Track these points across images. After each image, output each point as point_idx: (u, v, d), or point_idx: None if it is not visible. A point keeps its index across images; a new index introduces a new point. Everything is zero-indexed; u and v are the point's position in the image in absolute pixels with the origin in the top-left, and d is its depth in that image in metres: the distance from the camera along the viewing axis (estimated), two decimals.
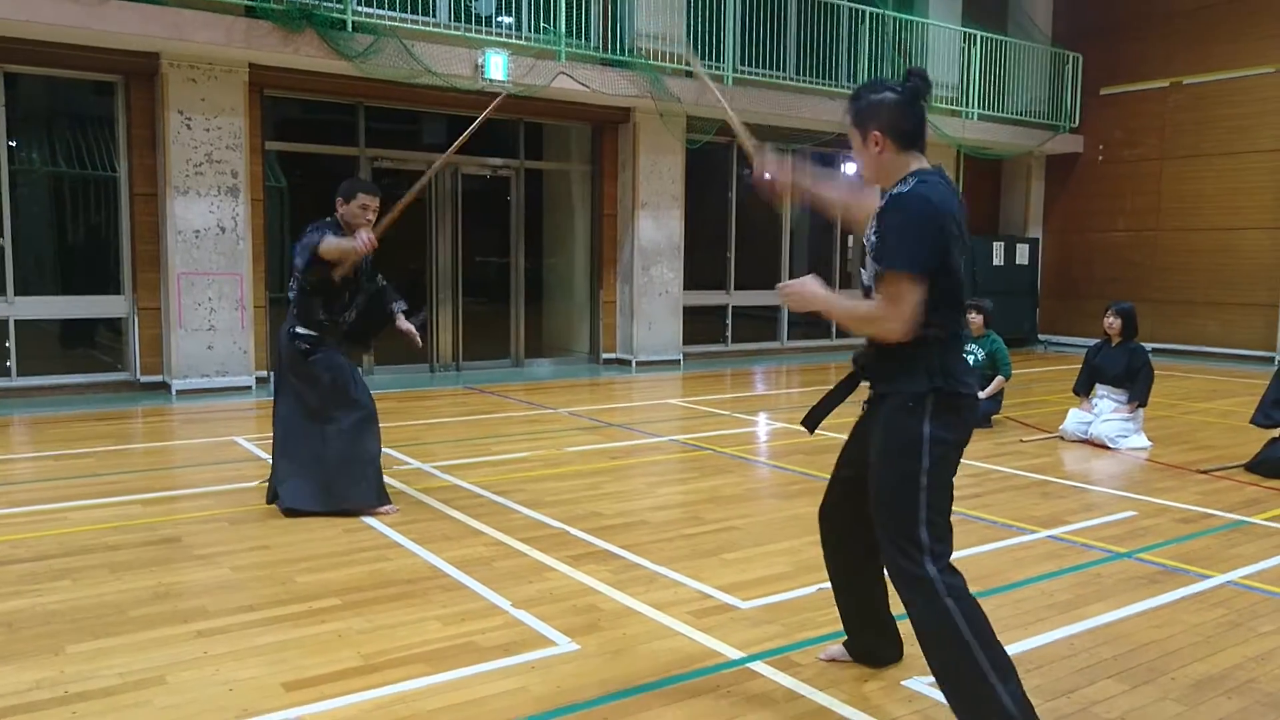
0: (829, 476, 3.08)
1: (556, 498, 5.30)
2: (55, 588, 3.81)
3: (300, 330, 4.87)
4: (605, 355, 11.65)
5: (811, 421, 2.93)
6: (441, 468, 5.99)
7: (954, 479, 2.68)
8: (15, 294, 8.42)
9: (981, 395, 7.57)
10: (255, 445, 6.58)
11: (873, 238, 2.67)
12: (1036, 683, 3.03)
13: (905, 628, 3.20)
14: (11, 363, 8.45)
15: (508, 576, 4.00)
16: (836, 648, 3.23)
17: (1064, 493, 5.62)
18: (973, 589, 3.42)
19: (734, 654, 3.24)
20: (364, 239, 4.66)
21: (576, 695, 2.94)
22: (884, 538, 2.68)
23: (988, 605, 3.62)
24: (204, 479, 5.66)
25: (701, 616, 3.57)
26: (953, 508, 2.68)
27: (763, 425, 7.89)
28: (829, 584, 3.15)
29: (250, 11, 8.50)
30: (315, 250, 4.67)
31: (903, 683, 3.04)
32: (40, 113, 8.89)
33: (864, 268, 2.76)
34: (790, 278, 13.04)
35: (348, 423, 4.84)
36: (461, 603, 3.70)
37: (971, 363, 7.72)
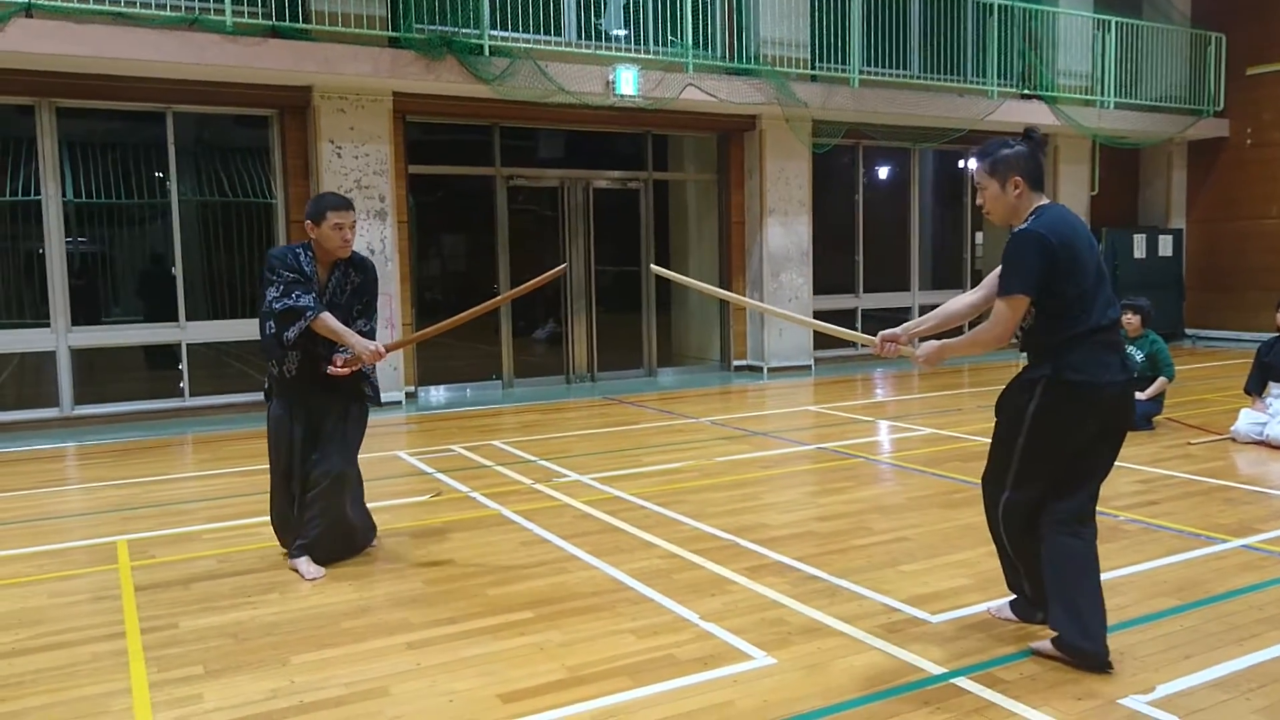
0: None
1: (719, 509, 5.35)
2: (266, 600, 4.05)
3: (272, 369, 4.41)
4: (736, 362, 11.66)
5: None
6: (600, 479, 6.10)
7: (1079, 457, 3.22)
8: (186, 319, 8.96)
9: (1142, 397, 7.29)
10: (418, 460, 6.84)
11: None
12: (1262, 703, 2.92)
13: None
14: (185, 384, 8.99)
15: (689, 589, 4.05)
16: (1000, 603, 3.67)
17: (1249, 499, 5.37)
18: (1173, 600, 3.81)
19: (935, 669, 3.22)
20: (373, 350, 4.14)
21: (784, 710, 2.97)
22: (987, 470, 3.40)
23: (1192, 619, 3.58)
24: (378, 494, 5.88)
25: (893, 631, 3.56)
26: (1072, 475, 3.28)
27: (909, 431, 7.77)
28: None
29: (394, 42, 8.85)
30: (304, 315, 4.13)
31: (1119, 700, 2.97)
32: (199, 146, 9.41)
33: None
34: (920, 278, 13.02)
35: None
36: (650, 615, 3.77)
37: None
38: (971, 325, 3.76)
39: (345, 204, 4.23)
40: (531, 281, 4.50)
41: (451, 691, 3.14)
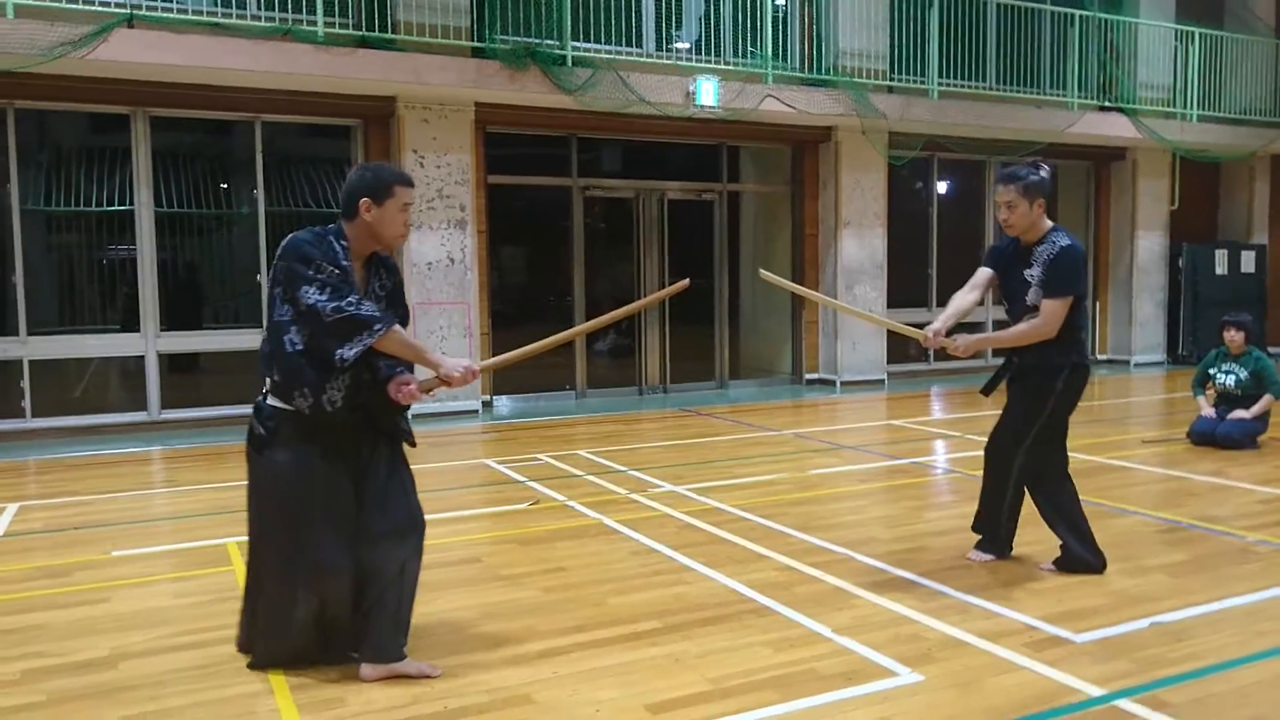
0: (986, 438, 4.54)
1: (825, 521, 5.26)
2: None
3: (270, 403, 3.19)
4: (808, 375, 11.55)
5: (988, 390, 4.41)
6: (695, 490, 6.03)
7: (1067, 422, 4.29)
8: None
9: (1247, 415, 7.09)
10: (507, 468, 6.83)
11: (1039, 275, 4.06)
12: None
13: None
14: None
15: (813, 602, 3.97)
16: (976, 552, 4.50)
17: None
18: None
19: (1094, 690, 3.10)
20: (465, 369, 3.21)
21: None
22: (1006, 433, 4.26)
23: None
24: (475, 500, 5.91)
25: (1039, 649, 3.44)
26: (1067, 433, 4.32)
27: None
28: (1160, 617, 3.64)
29: (478, 52, 8.91)
30: (371, 329, 3.03)
31: None
32: (281, 157, 9.50)
33: (1011, 300, 4.26)
34: (992, 291, 12.76)
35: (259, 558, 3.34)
36: (780, 629, 3.69)
37: (1233, 383, 7.24)
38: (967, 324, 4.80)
39: (411, 180, 3.25)
40: (656, 294, 4.57)
41: (596, 701, 3.09)
